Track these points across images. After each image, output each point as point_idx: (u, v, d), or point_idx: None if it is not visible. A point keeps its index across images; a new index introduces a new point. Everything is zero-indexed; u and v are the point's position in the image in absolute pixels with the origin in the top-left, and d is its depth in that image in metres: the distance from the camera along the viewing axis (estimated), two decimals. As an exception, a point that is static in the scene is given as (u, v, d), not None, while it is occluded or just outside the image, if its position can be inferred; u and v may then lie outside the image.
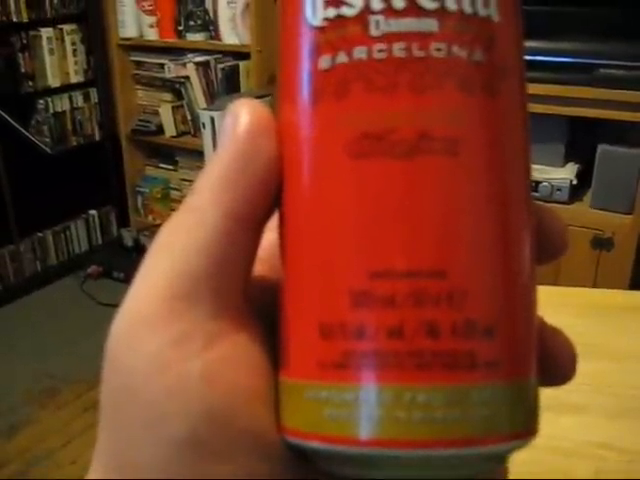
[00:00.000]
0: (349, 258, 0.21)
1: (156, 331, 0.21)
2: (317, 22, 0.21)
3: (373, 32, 0.21)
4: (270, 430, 0.22)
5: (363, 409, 0.20)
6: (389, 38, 0.21)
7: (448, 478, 0.21)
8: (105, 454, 0.22)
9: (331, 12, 0.21)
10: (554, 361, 0.24)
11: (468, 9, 0.21)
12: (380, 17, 0.21)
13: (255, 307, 0.24)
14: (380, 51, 0.21)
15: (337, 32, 0.21)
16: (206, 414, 0.21)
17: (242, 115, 0.23)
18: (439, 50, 0.21)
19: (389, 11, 0.21)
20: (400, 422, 0.20)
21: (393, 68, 0.21)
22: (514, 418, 0.21)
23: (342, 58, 0.21)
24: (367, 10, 0.21)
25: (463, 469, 0.21)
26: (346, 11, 0.21)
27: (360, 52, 0.21)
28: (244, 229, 0.23)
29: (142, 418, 0.21)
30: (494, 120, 0.21)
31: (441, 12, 0.21)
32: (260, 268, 0.25)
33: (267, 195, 0.23)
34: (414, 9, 0.20)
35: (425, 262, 0.20)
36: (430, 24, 0.21)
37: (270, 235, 0.24)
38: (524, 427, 0.22)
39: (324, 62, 0.21)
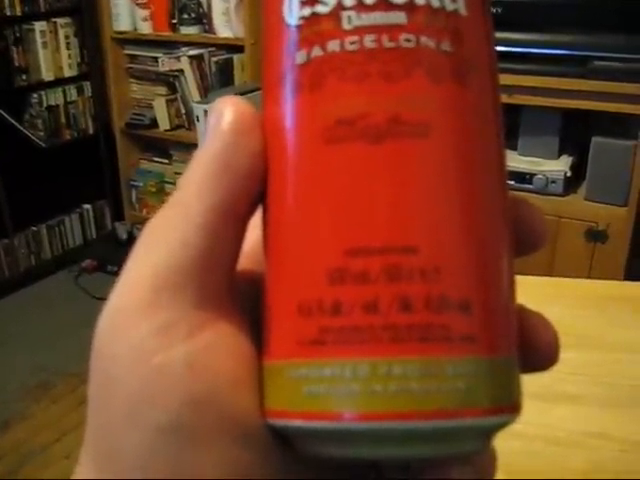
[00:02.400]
0: (325, 237, 0.22)
1: (140, 320, 0.22)
2: (294, 21, 0.23)
3: (345, 26, 0.22)
4: (255, 418, 0.22)
5: (340, 384, 0.21)
6: (360, 31, 0.22)
7: (430, 455, 0.22)
8: (91, 443, 0.23)
9: (306, 11, 0.23)
10: (535, 345, 0.24)
11: (436, 3, 0.22)
12: (352, 12, 0.22)
13: (242, 301, 0.24)
14: (352, 43, 0.22)
15: (312, 29, 0.22)
16: (189, 401, 0.21)
17: (226, 112, 0.24)
18: (408, 41, 0.22)
19: (360, 6, 0.22)
20: (377, 395, 0.20)
21: (364, 58, 0.22)
22: (492, 393, 0.21)
23: (317, 52, 0.22)
24: (340, 6, 0.22)
25: (444, 445, 0.21)
26: (320, 9, 0.22)
27: (333, 45, 0.22)
28: (228, 223, 0.23)
29: (125, 405, 0.21)
30: (463, 106, 0.22)
31: (409, 6, 0.22)
32: (247, 264, 0.25)
33: (251, 190, 0.23)
34: (384, 4, 0.22)
35: (397, 239, 0.21)
36: (399, 17, 0.22)
37: (258, 232, 0.24)
38: (504, 403, 0.22)
39: (300, 57, 0.23)
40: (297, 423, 0.21)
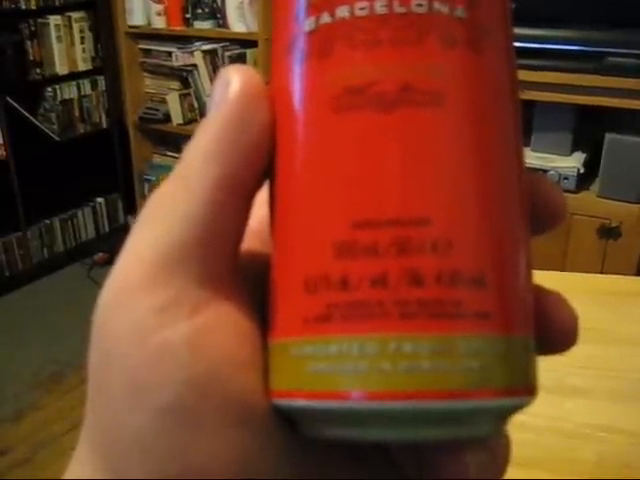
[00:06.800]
0: (333, 210, 0.21)
1: (141, 299, 0.21)
2: None
3: None
4: (259, 399, 0.21)
5: (347, 361, 0.19)
6: None
7: (440, 438, 0.21)
8: (91, 423, 0.22)
9: None
10: (553, 325, 0.23)
11: None
12: None
13: (247, 280, 0.23)
14: (362, 9, 0.21)
15: None
16: (191, 381, 0.20)
17: (233, 81, 0.22)
18: (420, 6, 0.21)
19: None
20: (385, 373, 0.19)
21: (375, 24, 0.21)
22: (507, 373, 0.20)
23: (326, 18, 0.21)
24: None
25: (455, 428, 0.20)
26: None
27: (342, 11, 0.21)
28: (233, 198, 0.22)
29: (125, 386, 0.20)
30: (478, 74, 0.21)
31: None
32: (255, 242, 0.24)
33: (257, 163, 0.22)
34: None
35: (407, 210, 0.20)
36: None
37: (266, 209, 0.23)
38: (518, 384, 0.21)
39: (309, 24, 0.22)
40: (301, 403, 0.20)
